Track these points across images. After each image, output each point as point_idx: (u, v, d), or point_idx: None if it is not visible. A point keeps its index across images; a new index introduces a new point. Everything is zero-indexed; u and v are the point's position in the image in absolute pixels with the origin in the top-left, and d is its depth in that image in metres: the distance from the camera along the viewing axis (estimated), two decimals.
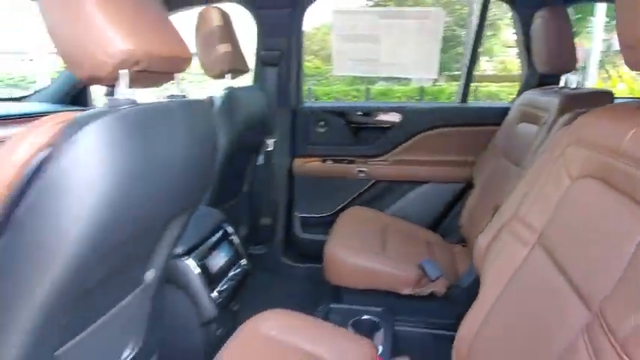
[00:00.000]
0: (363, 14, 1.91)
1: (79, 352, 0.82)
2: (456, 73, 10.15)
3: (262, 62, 1.97)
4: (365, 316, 1.41)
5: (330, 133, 2.10)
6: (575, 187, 0.73)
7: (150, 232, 0.90)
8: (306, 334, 1.04)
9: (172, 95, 0.88)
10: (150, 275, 1.01)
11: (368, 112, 2.14)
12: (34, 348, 0.67)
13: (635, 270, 0.51)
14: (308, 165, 2.12)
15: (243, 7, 1.90)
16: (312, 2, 1.90)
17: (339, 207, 2.11)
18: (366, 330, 1.34)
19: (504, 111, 1.75)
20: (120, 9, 0.67)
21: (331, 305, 1.49)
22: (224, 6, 1.64)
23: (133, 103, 0.70)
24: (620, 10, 0.63)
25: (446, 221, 2.01)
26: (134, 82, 0.70)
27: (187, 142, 0.82)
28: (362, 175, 2.06)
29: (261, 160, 2.05)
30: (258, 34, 1.94)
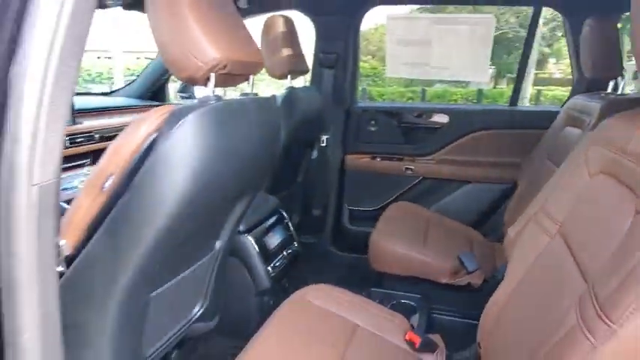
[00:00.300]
0: (417, 20, 2.02)
1: (166, 298, 1.02)
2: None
3: (320, 64, 2.13)
4: (403, 300, 1.53)
5: (381, 131, 2.22)
6: (593, 182, 0.82)
7: (222, 206, 1.08)
8: (346, 305, 1.19)
9: (246, 93, 1.05)
10: (218, 245, 1.20)
11: (417, 113, 2.24)
12: (138, 287, 0.87)
13: (624, 248, 0.60)
14: (358, 161, 2.26)
15: (304, 14, 2.07)
16: (368, 9, 2.04)
17: (386, 202, 2.23)
18: (404, 312, 1.46)
19: (553, 115, 1.79)
20: (212, 24, 0.84)
21: (373, 289, 1.62)
22: (288, 13, 1.82)
23: (218, 99, 0.87)
24: (636, 21, 0.69)
25: (489, 220, 2.07)
26: (219, 83, 0.88)
27: (257, 133, 0.99)
28: (409, 172, 2.17)
29: (315, 154, 2.22)
30: (317, 39, 2.11)
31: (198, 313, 1.24)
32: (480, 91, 9.49)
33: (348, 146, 2.26)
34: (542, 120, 1.88)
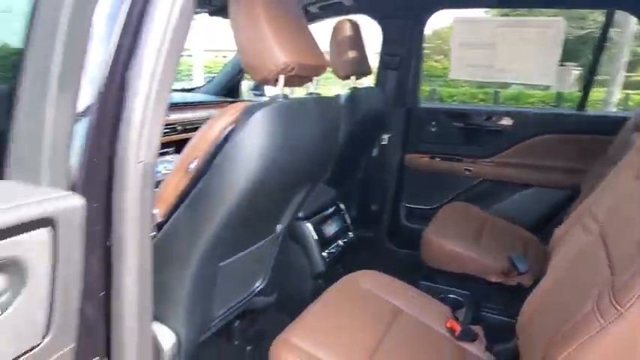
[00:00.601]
0: (483, 22, 2.03)
1: (232, 270, 1.18)
2: (605, 77, 9.14)
3: (384, 66, 2.22)
4: (451, 295, 1.58)
5: (442, 132, 2.26)
6: (636, 185, 0.85)
7: (283, 193, 1.22)
8: (392, 291, 1.28)
9: (311, 93, 1.18)
10: (279, 228, 1.34)
11: (480, 115, 2.25)
12: (210, 255, 1.03)
13: None
14: (418, 160, 2.31)
15: (371, 18, 2.17)
16: (433, 13, 2.09)
17: (444, 201, 2.27)
18: (451, 306, 1.51)
19: (622, 120, 1.74)
20: (283, 31, 0.97)
21: (422, 282, 1.69)
22: (354, 17, 1.93)
23: (285, 97, 1.01)
24: None
25: (548, 225, 2.04)
26: (287, 83, 1.01)
27: (317, 129, 1.11)
28: (468, 173, 2.20)
29: (375, 152, 2.31)
30: (383, 41, 2.19)
31: (259, 288, 1.39)
32: (559, 94, 8.96)
33: (409, 145, 2.32)
34: (610, 126, 1.83)
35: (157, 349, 1.03)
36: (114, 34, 0.66)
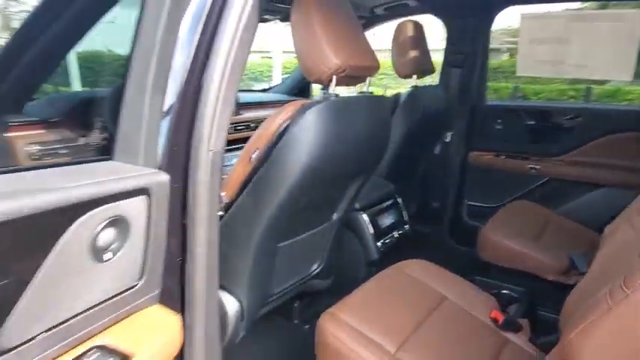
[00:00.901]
0: (552, 18, 1.97)
1: (290, 251, 1.32)
2: None
3: (449, 64, 2.24)
4: (505, 291, 1.59)
5: (507, 130, 2.23)
6: None
7: (337, 184, 1.33)
8: (440, 280, 1.34)
9: (362, 92, 1.28)
10: (335, 217, 1.46)
11: (549, 112, 2.19)
12: (269, 236, 1.17)
13: None
14: (482, 158, 2.30)
15: (436, 17, 2.20)
16: (500, 10, 2.07)
17: (508, 200, 2.24)
18: (503, 302, 1.53)
19: None
20: (335, 36, 1.08)
21: (477, 277, 1.71)
22: (419, 17, 1.99)
23: (337, 95, 1.12)
24: None
25: None
26: (339, 83, 1.12)
27: (367, 125, 1.21)
28: (533, 171, 2.15)
29: (437, 149, 2.34)
30: (447, 39, 2.22)
31: (316, 271, 1.52)
32: None
33: (473, 143, 2.32)
34: None
35: (223, 312, 1.19)
36: (192, 46, 0.82)
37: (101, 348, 0.66)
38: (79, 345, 0.67)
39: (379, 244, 1.65)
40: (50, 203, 0.57)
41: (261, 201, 1.11)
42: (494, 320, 1.21)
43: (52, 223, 0.59)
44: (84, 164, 0.78)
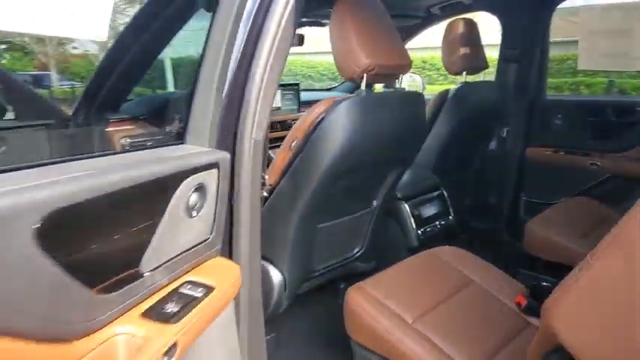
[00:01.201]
0: (615, 9, 1.89)
1: (329, 233, 1.47)
2: None
3: (505, 59, 2.24)
4: (545, 283, 1.60)
5: (568, 125, 2.18)
6: None
7: (372, 172, 1.46)
8: (471, 266, 1.40)
9: (395, 88, 1.40)
10: (375, 203, 1.59)
11: (613, 107, 2.10)
12: (308, 217, 1.34)
13: None
14: (540, 154, 2.27)
15: (491, 14, 2.22)
16: (559, 3, 2.04)
17: (567, 197, 2.18)
18: (539, 292, 1.55)
19: None
20: (367, 38, 1.21)
21: (520, 269, 1.73)
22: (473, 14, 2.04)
23: (368, 92, 1.25)
24: None
25: None
26: (372, 80, 1.25)
27: (397, 118, 1.33)
28: (594, 167, 2.08)
29: (493, 145, 2.35)
30: (503, 34, 2.22)
31: (357, 254, 1.66)
32: None
33: (531, 139, 2.29)
34: None
35: (268, 282, 1.38)
36: (240, 50, 0.99)
37: (191, 282, 0.85)
38: (177, 278, 0.87)
39: (419, 232, 1.75)
40: (169, 169, 0.77)
41: (298, 185, 1.28)
42: (518, 304, 1.26)
43: (168, 187, 0.77)
44: (165, 147, 0.99)
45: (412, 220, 1.74)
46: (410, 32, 2.61)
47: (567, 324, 0.74)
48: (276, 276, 1.38)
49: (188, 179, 0.81)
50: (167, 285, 0.80)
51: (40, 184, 0.54)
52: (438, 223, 1.84)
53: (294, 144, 1.26)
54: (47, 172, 0.61)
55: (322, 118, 1.21)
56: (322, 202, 1.33)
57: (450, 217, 1.89)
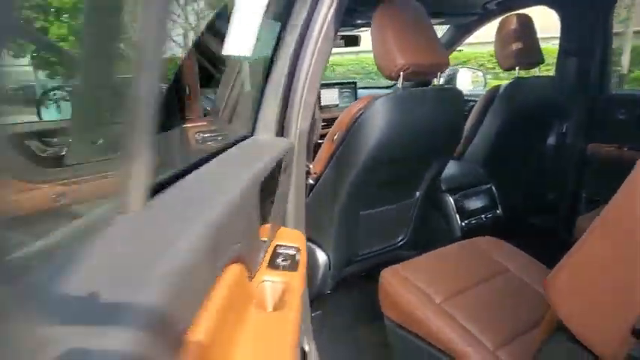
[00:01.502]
0: None
1: (373, 220, 1.59)
2: None
3: (564, 53, 2.20)
4: None
5: (633, 121, 2.09)
6: None
7: (414, 165, 1.55)
8: (508, 256, 1.45)
9: (434, 85, 1.48)
10: (417, 194, 1.68)
11: None
12: (351, 203, 1.47)
13: None
14: (603, 150, 2.19)
15: (549, 8, 2.18)
16: None
17: None
18: None
19: None
20: (404, 39, 1.32)
21: None
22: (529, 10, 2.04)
23: (404, 89, 1.36)
24: None
25: None
26: (409, 79, 1.35)
27: (435, 114, 1.41)
28: None
29: (552, 140, 2.30)
30: (562, 28, 2.17)
31: (401, 242, 1.76)
32: None
33: (593, 135, 2.22)
34: None
35: (314, 262, 1.54)
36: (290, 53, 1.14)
37: (280, 245, 0.96)
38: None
39: (463, 223, 1.80)
40: (278, 154, 0.95)
41: (340, 174, 1.42)
42: None
43: (280, 167, 0.94)
44: (250, 138, 1.11)
45: (455, 212, 1.80)
46: (468, 29, 2.63)
47: (561, 297, 0.81)
48: (321, 256, 1.53)
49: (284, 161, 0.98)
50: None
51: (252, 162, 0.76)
52: (483, 216, 1.88)
53: (336, 136, 1.40)
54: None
55: (361, 113, 1.33)
56: (362, 191, 1.46)
57: (498, 211, 1.92)
